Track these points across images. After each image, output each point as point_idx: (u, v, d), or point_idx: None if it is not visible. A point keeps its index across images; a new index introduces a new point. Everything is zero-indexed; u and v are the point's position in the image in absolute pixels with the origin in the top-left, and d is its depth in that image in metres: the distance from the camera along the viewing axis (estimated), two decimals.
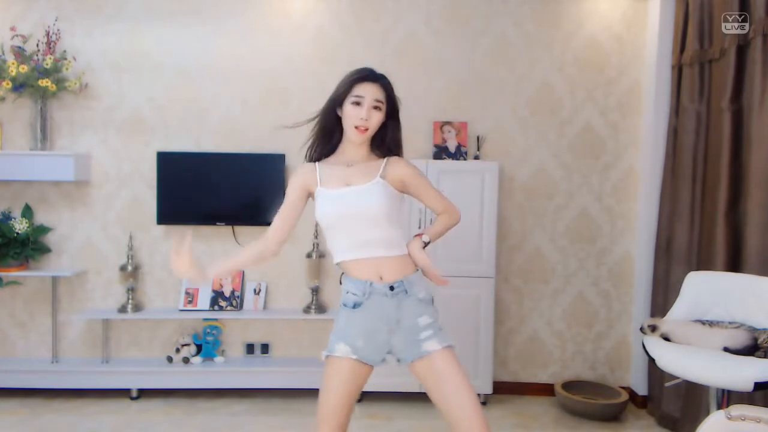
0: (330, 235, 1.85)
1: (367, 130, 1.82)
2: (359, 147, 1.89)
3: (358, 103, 1.80)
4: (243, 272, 3.63)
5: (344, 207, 1.80)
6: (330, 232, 1.84)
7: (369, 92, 1.81)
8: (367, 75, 1.84)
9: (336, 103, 1.86)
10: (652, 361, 2.35)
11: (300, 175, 1.89)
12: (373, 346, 1.80)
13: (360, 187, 1.82)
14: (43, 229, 3.54)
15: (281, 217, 1.88)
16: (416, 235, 1.92)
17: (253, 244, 1.89)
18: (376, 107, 1.82)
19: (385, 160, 1.91)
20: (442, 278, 1.92)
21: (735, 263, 2.80)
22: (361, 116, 1.80)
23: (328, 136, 1.91)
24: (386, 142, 1.92)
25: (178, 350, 3.57)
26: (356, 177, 1.85)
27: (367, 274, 1.80)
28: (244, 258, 1.89)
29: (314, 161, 1.92)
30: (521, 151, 3.64)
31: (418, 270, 1.90)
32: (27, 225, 3.43)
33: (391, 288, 1.80)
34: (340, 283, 1.89)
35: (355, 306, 1.81)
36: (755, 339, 2.22)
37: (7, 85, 3.31)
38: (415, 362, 1.80)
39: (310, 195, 1.89)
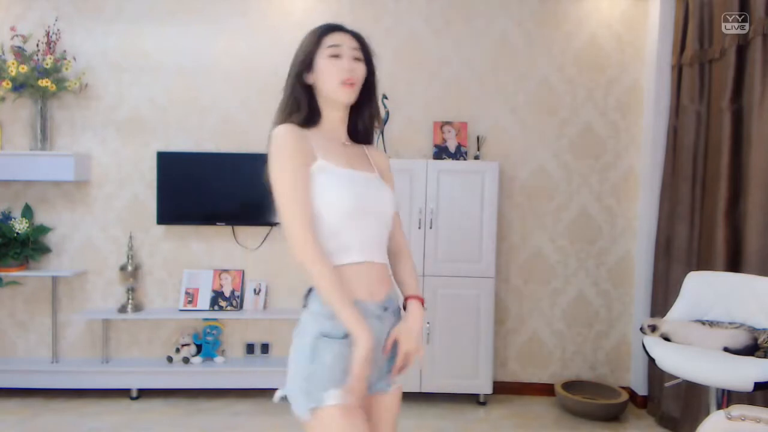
0: (329, 228, 1.38)
1: (354, 84, 1.44)
2: (342, 119, 1.50)
3: (336, 55, 1.43)
4: (243, 272, 3.63)
5: (365, 194, 1.42)
6: (334, 223, 1.38)
7: (345, 41, 1.45)
8: (335, 25, 1.48)
9: (303, 68, 1.45)
10: (652, 361, 2.35)
11: (299, 139, 1.38)
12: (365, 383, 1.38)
13: (370, 175, 1.47)
14: (43, 229, 3.53)
15: (307, 204, 1.35)
16: (412, 297, 1.50)
17: (327, 262, 1.34)
18: (357, 58, 1.45)
19: (364, 147, 1.57)
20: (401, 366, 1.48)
21: (735, 263, 2.80)
22: (344, 67, 1.42)
23: (304, 115, 1.46)
24: (367, 110, 1.53)
25: (178, 350, 3.57)
26: (357, 161, 1.48)
27: (358, 290, 1.39)
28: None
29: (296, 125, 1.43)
30: (521, 151, 3.64)
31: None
32: (27, 225, 3.43)
33: (385, 309, 1.44)
34: (306, 305, 1.42)
35: (345, 336, 1.34)
36: (755, 339, 2.22)
37: (7, 85, 3.31)
38: (376, 395, 1.48)
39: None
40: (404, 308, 1.51)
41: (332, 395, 1.32)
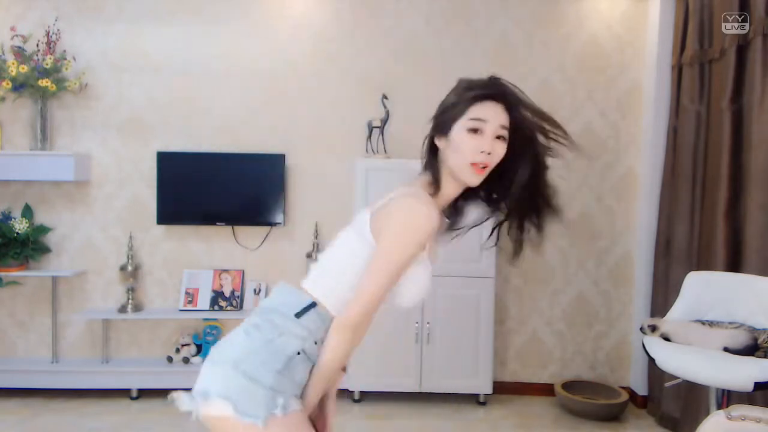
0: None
1: (486, 167, 1.29)
2: (455, 195, 1.38)
3: (476, 130, 1.28)
4: (243, 272, 3.63)
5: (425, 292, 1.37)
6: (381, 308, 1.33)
7: (492, 115, 1.28)
8: (490, 91, 1.31)
9: (442, 129, 1.32)
10: (652, 361, 2.35)
11: (432, 230, 1.27)
12: None
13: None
14: (43, 229, 3.53)
15: (389, 289, 1.29)
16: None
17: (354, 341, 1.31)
18: (499, 137, 1.30)
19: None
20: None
21: (735, 263, 2.80)
22: (482, 148, 1.27)
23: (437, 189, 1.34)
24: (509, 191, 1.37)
25: (178, 350, 3.57)
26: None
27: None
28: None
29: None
30: None
31: None
32: (27, 225, 3.43)
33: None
34: (299, 316, 1.34)
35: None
36: (755, 339, 2.22)
37: (7, 85, 3.31)
38: None
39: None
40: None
41: (297, 402, 1.28)
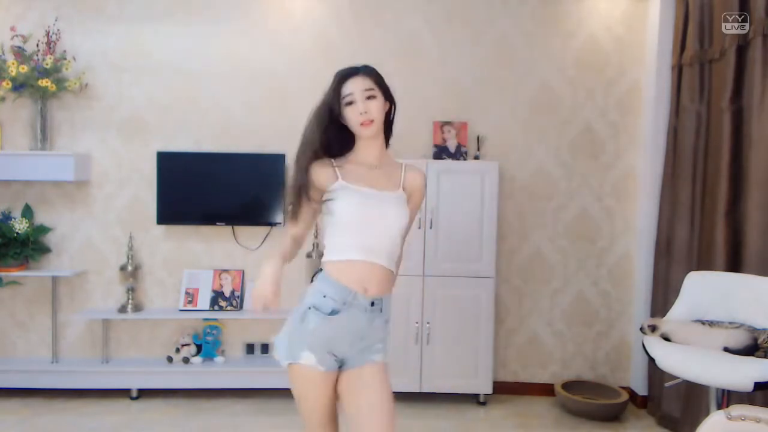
0: (339, 232, 1.76)
1: (372, 121, 1.74)
2: (373, 143, 1.82)
3: (350, 103, 1.73)
4: (243, 272, 3.63)
5: (370, 208, 1.74)
6: (342, 228, 1.75)
7: (356, 87, 1.74)
8: (346, 73, 1.77)
9: (331, 115, 1.77)
10: (652, 361, 2.35)
11: (316, 173, 1.77)
12: (332, 357, 1.72)
13: (387, 194, 1.78)
14: (43, 229, 3.54)
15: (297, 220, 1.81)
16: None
17: (285, 241, 1.86)
18: (369, 97, 1.74)
19: (403, 167, 1.89)
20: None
21: (735, 263, 2.80)
22: (359, 111, 1.72)
23: (336, 147, 1.82)
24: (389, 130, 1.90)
25: (178, 350, 3.57)
26: (382, 181, 1.80)
27: (353, 282, 1.71)
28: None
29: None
30: (521, 151, 3.64)
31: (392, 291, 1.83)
32: (27, 225, 3.43)
33: (372, 304, 1.73)
34: (311, 281, 1.82)
35: (332, 313, 1.71)
36: (755, 339, 2.22)
37: (7, 85, 3.31)
38: (351, 370, 1.75)
39: (322, 192, 1.78)
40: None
41: (305, 357, 1.70)
